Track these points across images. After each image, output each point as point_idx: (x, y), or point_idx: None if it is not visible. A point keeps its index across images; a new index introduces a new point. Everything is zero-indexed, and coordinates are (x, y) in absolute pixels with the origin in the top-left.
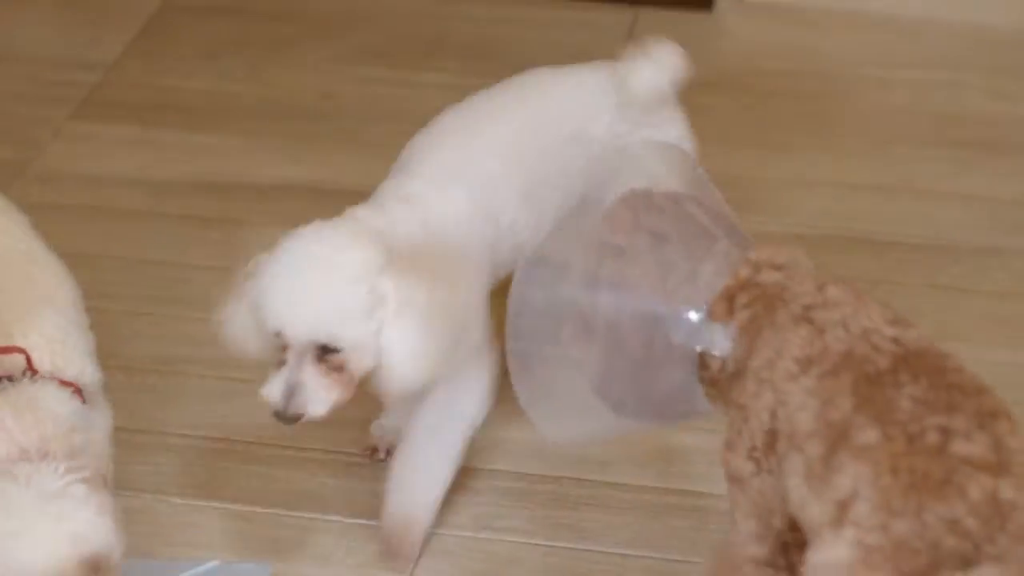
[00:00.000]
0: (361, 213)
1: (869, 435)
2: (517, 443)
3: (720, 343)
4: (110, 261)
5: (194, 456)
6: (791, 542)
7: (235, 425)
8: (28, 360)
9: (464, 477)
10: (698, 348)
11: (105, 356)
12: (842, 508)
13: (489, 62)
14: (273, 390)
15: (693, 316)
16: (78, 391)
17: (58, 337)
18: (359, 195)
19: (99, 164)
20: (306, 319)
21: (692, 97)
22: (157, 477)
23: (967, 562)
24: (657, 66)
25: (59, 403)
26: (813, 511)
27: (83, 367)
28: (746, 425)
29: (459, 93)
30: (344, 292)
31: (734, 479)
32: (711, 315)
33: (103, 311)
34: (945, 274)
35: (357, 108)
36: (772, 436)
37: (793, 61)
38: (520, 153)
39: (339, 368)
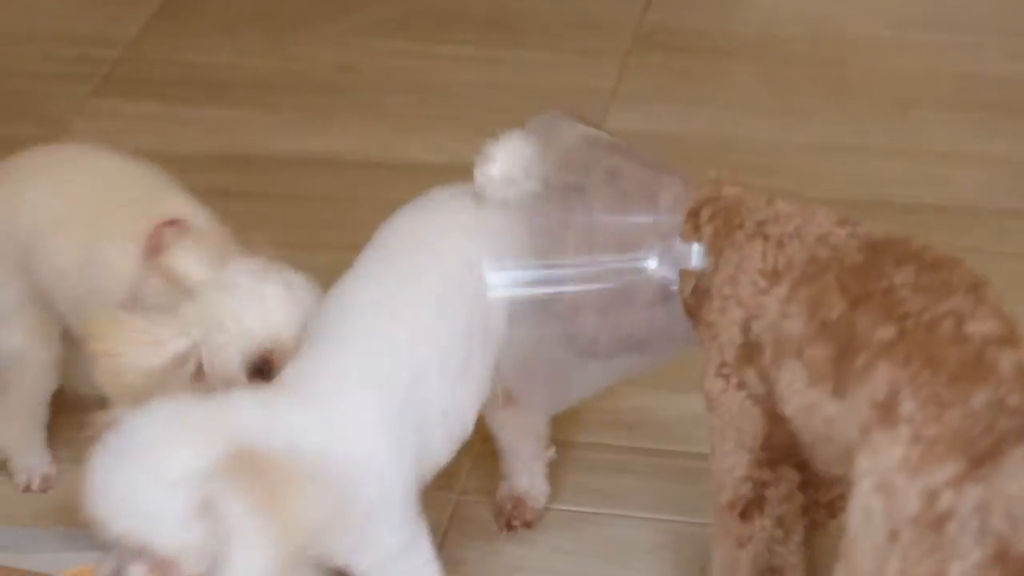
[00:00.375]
0: (241, 401)
1: (885, 332)
2: None
3: (695, 260)
4: None
5: None
6: (770, 456)
7: None
8: None
9: (493, 444)
10: (672, 270)
11: None
12: (885, 408)
13: (508, 33)
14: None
15: (664, 239)
16: None
17: None
18: (379, 166)
19: (122, 140)
20: (118, 520)
21: (711, 64)
22: None
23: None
24: (504, 163)
25: None
26: (829, 411)
27: None
28: (714, 342)
29: (478, 64)
30: (157, 497)
31: (708, 401)
32: (681, 235)
33: None
34: (968, 236)
35: (376, 80)
36: (748, 349)
37: (811, 26)
38: (434, 330)
39: (166, 568)
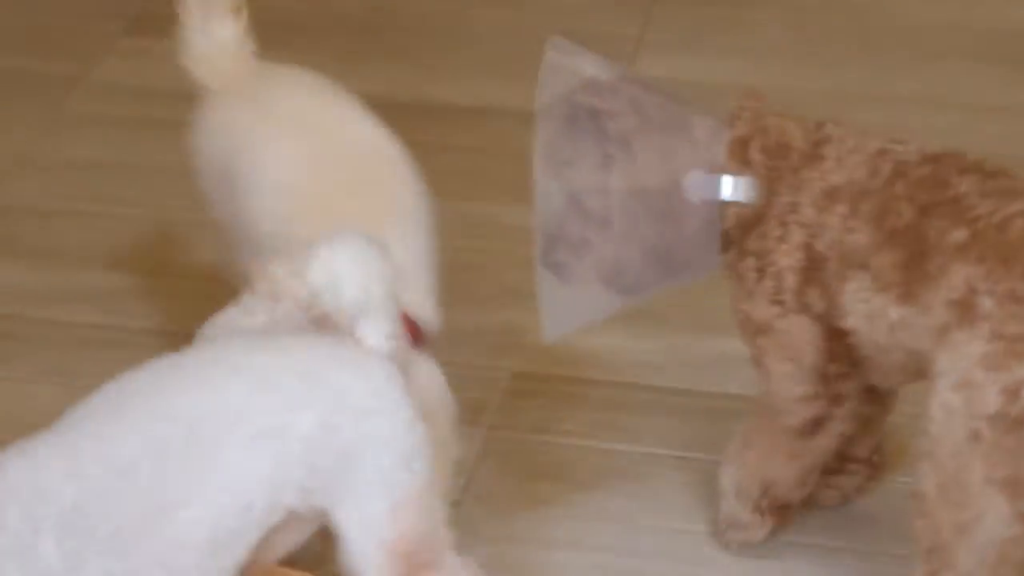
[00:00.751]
0: None
1: (958, 235)
2: (573, 349)
3: (745, 193)
4: (166, 171)
5: None
6: (831, 373)
7: None
8: None
9: (522, 382)
10: (722, 200)
11: (169, 264)
12: (963, 307)
13: None
14: None
15: (712, 169)
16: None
17: None
18: (408, 108)
19: (153, 78)
20: None
21: (737, 13)
22: None
23: None
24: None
25: None
26: (893, 317)
27: None
28: (768, 271)
29: (505, 8)
30: None
31: (759, 328)
32: (728, 167)
33: (164, 220)
34: None
35: (405, 23)
36: (811, 269)
37: None
38: None
39: None
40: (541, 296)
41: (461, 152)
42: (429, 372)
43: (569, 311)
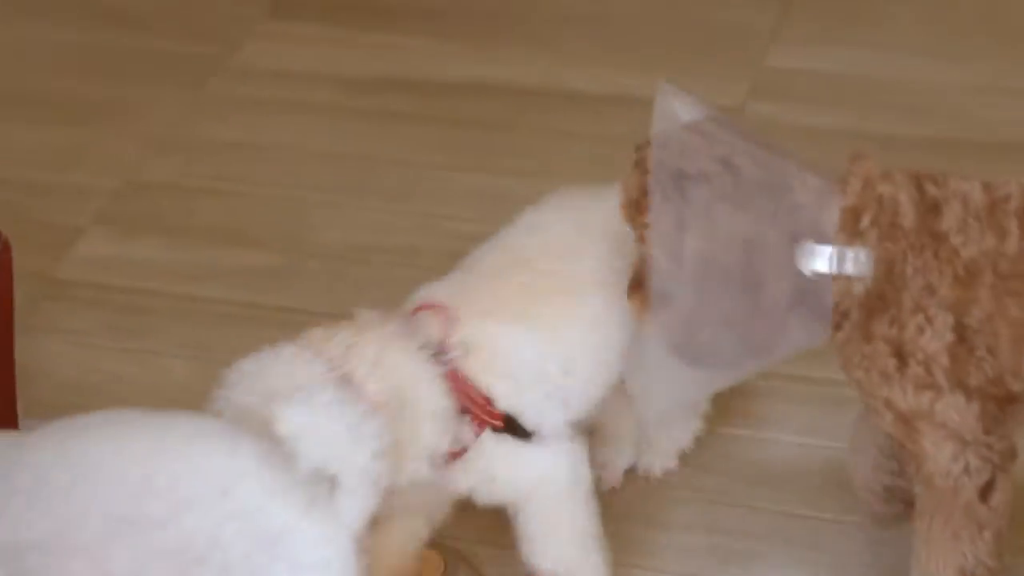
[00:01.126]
0: None
1: None
2: None
3: (863, 267)
4: (305, 153)
5: None
6: (993, 442)
7: None
8: None
9: None
10: (834, 273)
11: (301, 244)
12: None
13: None
14: None
15: (819, 240)
16: None
17: None
18: (542, 95)
19: (293, 61)
20: None
21: (873, 5)
22: None
23: None
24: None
25: None
26: None
27: None
28: (914, 358)
29: None
30: None
31: (911, 416)
32: (838, 237)
33: (299, 200)
34: None
35: (542, 10)
36: (964, 344)
37: None
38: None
39: None
40: (641, 374)
41: (591, 140)
42: (544, 458)
43: (667, 388)
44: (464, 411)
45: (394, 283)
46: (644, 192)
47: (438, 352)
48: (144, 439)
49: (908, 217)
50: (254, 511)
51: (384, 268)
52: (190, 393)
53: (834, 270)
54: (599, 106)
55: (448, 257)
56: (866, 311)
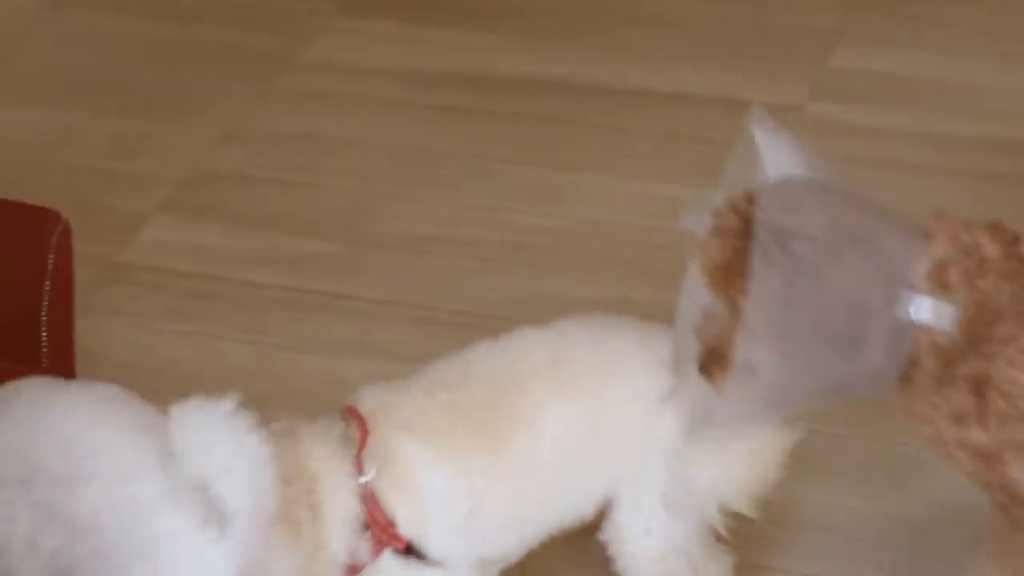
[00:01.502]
0: None
1: None
2: None
3: (946, 321)
4: (369, 146)
5: (437, 329)
6: None
7: (478, 301)
8: None
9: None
10: (920, 323)
11: (363, 234)
12: None
13: None
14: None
15: (911, 292)
16: None
17: None
18: (606, 92)
19: (361, 56)
20: None
21: (936, 8)
22: (403, 347)
23: None
24: None
25: None
26: None
27: None
28: (993, 392)
29: None
30: None
31: (994, 450)
32: (925, 288)
33: (362, 192)
34: None
35: (606, 8)
36: None
37: None
38: None
39: None
40: (685, 397)
41: (652, 137)
42: None
43: (714, 415)
44: (367, 527)
45: (452, 273)
46: (735, 255)
47: (356, 460)
48: (73, 410)
49: (992, 249)
50: (144, 510)
51: (445, 258)
52: (246, 377)
53: (925, 319)
54: (661, 103)
55: (508, 249)
56: (945, 360)
